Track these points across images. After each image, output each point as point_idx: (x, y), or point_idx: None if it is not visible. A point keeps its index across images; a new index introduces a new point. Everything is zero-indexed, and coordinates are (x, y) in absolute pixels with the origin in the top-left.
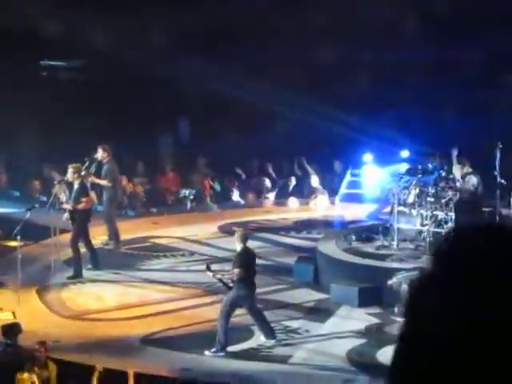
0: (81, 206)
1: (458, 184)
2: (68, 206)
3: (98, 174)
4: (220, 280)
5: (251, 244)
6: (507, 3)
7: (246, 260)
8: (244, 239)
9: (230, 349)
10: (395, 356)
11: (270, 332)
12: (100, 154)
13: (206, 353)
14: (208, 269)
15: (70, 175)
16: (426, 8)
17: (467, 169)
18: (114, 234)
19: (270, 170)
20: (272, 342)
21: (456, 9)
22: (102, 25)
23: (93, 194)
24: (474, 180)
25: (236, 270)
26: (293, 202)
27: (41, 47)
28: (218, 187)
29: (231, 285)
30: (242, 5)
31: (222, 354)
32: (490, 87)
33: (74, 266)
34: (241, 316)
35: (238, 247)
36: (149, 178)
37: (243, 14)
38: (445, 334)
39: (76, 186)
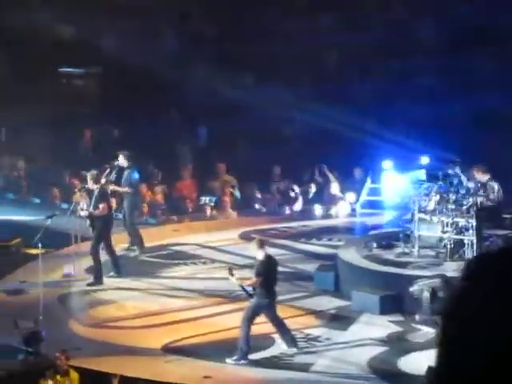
0: (97, 213)
1: (478, 191)
2: (84, 213)
3: (118, 181)
4: (241, 287)
5: (272, 251)
6: None
7: (267, 268)
8: (262, 246)
9: (252, 357)
10: (441, 364)
11: (291, 340)
12: (121, 160)
13: (228, 360)
14: (231, 274)
15: (88, 182)
16: (442, 13)
17: (487, 175)
18: (138, 241)
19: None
20: (294, 350)
21: (470, 16)
22: (118, 32)
23: (113, 201)
24: (494, 187)
25: (256, 278)
26: (317, 208)
27: (56, 54)
28: (238, 194)
29: (252, 292)
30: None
31: (243, 361)
32: (505, 94)
33: (94, 273)
34: (262, 324)
35: (259, 255)
36: (168, 185)
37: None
38: (499, 338)
39: (95, 192)
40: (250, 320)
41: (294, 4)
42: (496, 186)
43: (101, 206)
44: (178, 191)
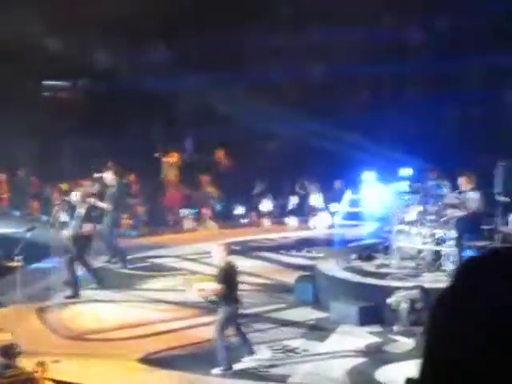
0: (86, 230)
1: (459, 201)
2: (72, 232)
3: (100, 195)
4: (205, 298)
5: (252, 263)
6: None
7: (230, 275)
8: (228, 252)
9: None
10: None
11: (250, 349)
12: (106, 175)
13: (214, 371)
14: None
15: (78, 198)
16: (424, 23)
17: (471, 185)
18: (121, 255)
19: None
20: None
21: (456, 24)
22: (102, 44)
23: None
24: (475, 196)
25: (220, 286)
26: (292, 220)
27: (42, 67)
28: (218, 206)
29: (217, 301)
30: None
31: (230, 371)
32: (489, 103)
33: (71, 286)
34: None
35: (222, 262)
36: (151, 197)
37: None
38: (476, 357)
39: (82, 209)
40: (222, 330)
41: (281, 18)
42: (477, 196)
43: (90, 225)
44: (163, 203)
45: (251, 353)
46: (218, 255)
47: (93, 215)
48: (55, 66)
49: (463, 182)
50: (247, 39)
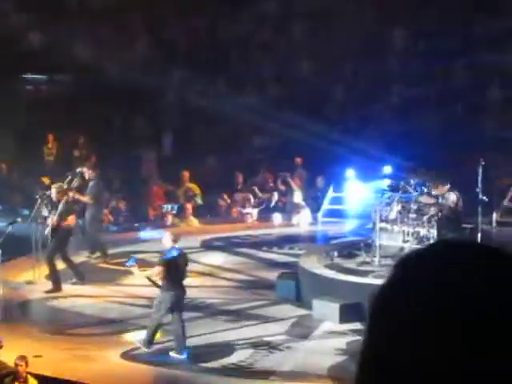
0: (65, 224)
1: (438, 200)
2: (51, 222)
3: (80, 189)
4: (148, 278)
5: (234, 259)
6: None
7: (174, 261)
8: (174, 240)
9: (211, 364)
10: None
11: (183, 342)
12: (85, 170)
13: (171, 354)
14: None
15: (53, 195)
16: (407, 22)
17: (446, 187)
18: (101, 248)
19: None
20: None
21: (442, 24)
22: (85, 38)
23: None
24: (453, 196)
25: (157, 268)
26: (276, 217)
27: (24, 60)
28: (200, 201)
29: (159, 284)
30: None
31: (148, 349)
32: (473, 101)
33: (52, 281)
34: (219, 332)
35: (167, 247)
36: (129, 193)
37: (228, 28)
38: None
39: (61, 203)
40: (160, 312)
41: (269, 13)
42: (455, 195)
43: (69, 218)
44: (145, 199)
45: (183, 347)
46: (165, 241)
47: (72, 208)
48: (37, 59)
49: (436, 188)
50: (234, 32)
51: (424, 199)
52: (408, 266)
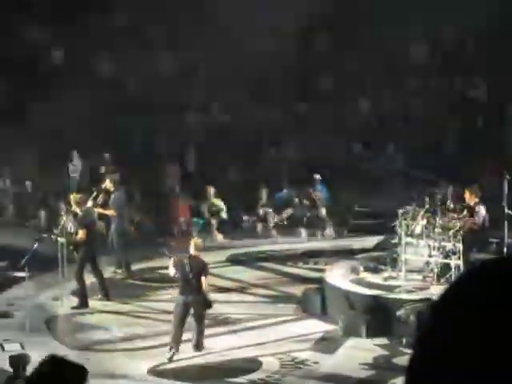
0: (77, 240)
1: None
2: (62, 240)
3: (105, 204)
4: None
5: (259, 274)
6: None
7: (185, 266)
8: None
9: (238, 380)
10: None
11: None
12: (108, 184)
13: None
14: None
15: (73, 206)
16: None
17: (476, 199)
18: (124, 264)
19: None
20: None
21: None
22: (108, 53)
23: (100, 224)
24: (483, 210)
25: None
26: (301, 232)
27: (40, 75)
28: (224, 216)
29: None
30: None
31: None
32: (494, 116)
33: (79, 297)
34: (247, 347)
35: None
36: (153, 208)
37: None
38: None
39: (78, 216)
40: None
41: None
42: (483, 209)
43: (80, 232)
44: (169, 214)
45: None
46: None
47: (82, 223)
48: (57, 74)
49: (468, 194)
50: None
51: (451, 215)
52: (460, 283)
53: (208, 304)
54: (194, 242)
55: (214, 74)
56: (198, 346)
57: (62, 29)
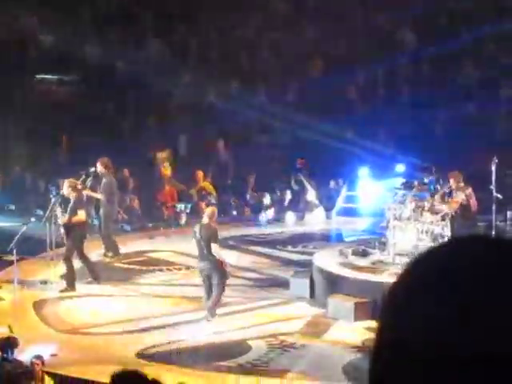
0: (74, 220)
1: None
2: (60, 221)
3: (94, 188)
4: None
5: (248, 258)
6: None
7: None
8: (72, 188)
9: (226, 363)
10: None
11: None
12: (99, 167)
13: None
14: None
15: (65, 190)
16: (418, 22)
17: (461, 183)
18: (113, 247)
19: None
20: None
21: (452, 23)
22: (97, 38)
23: (89, 208)
24: (464, 193)
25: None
26: (290, 216)
27: (36, 61)
28: (213, 200)
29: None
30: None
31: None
32: (485, 100)
33: (67, 280)
34: (235, 331)
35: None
36: (142, 192)
37: (238, 28)
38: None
39: (72, 200)
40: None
41: (279, 13)
42: (467, 191)
43: (79, 212)
44: (156, 198)
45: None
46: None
47: (82, 204)
48: (49, 60)
49: (454, 178)
50: (244, 32)
51: (437, 198)
52: (421, 260)
53: (221, 271)
54: (206, 210)
55: None
56: (208, 312)
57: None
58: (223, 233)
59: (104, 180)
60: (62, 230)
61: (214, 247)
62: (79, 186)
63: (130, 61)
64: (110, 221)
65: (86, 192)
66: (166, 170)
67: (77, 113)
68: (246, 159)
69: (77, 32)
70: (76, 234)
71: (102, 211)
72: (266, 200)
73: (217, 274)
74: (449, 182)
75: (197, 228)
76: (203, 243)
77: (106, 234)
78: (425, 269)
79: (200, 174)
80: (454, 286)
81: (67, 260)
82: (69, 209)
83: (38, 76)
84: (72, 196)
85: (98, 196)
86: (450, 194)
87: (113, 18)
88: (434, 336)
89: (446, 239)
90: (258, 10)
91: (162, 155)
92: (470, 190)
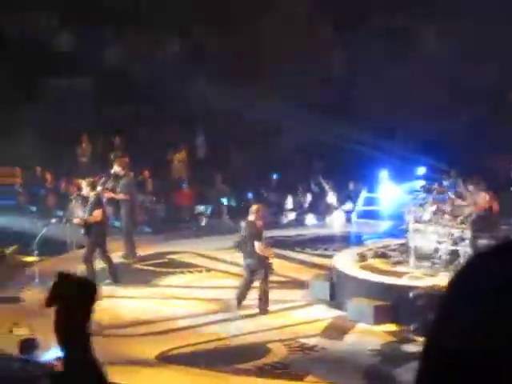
0: (91, 219)
1: (471, 201)
2: (77, 221)
3: (114, 190)
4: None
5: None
6: None
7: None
8: (92, 187)
9: (245, 366)
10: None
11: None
12: (117, 168)
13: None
14: None
15: (84, 189)
16: (439, 23)
17: (481, 186)
18: (131, 249)
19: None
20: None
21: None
22: (112, 40)
23: (109, 209)
24: (484, 195)
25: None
26: (310, 218)
27: (54, 62)
28: (234, 203)
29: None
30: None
31: None
32: (503, 103)
33: None
34: (253, 333)
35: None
36: (164, 194)
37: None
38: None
39: (90, 199)
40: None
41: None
42: (487, 196)
43: (95, 212)
44: (176, 200)
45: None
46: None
47: (99, 203)
48: (67, 62)
49: (473, 181)
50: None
51: (458, 201)
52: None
53: (266, 267)
54: (252, 207)
55: None
56: (260, 309)
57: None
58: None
59: (123, 181)
60: (83, 230)
61: (257, 245)
62: (99, 188)
63: (147, 63)
64: (130, 221)
65: (107, 194)
66: (184, 173)
67: (97, 114)
68: (267, 162)
69: (93, 34)
70: (95, 235)
71: (122, 212)
72: (288, 202)
73: (262, 270)
74: (469, 184)
75: (243, 225)
76: (248, 240)
77: (127, 234)
78: (476, 280)
79: (218, 176)
80: (504, 297)
81: (87, 261)
82: (87, 208)
83: (56, 77)
84: (91, 195)
85: (119, 196)
86: (470, 196)
87: (128, 20)
88: (480, 347)
89: (466, 242)
90: (273, 11)
91: (178, 156)
92: (491, 193)
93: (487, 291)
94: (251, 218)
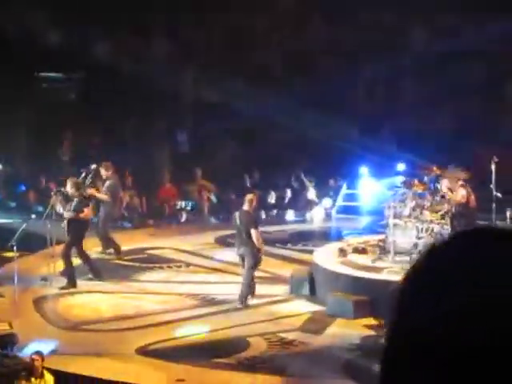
0: (82, 215)
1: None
2: (68, 215)
3: (93, 186)
4: None
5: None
6: None
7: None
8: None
9: (225, 360)
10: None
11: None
12: (102, 171)
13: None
14: None
15: (69, 189)
16: (422, 20)
17: (460, 181)
18: (114, 246)
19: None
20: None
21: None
22: (101, 37)
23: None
24: (462, 191)
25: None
26: (289, 214)
27: (39, 58)
28: (214, 199)
29: None
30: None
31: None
32: (487, 99)
33: (67, 277)
34: (235, 327)
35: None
36: (145, 190)
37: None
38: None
39: (76, 198)
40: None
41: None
42: (465, 191)
43: (86, 209)
44: (157, 196)
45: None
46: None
47: (87, 202)
48: (52, 58)
49: (452, 176)
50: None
51: (437, 197)
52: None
53: (256, 257)
54: (246, 197)
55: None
56: (240, 298)
57: None
58: (223, 231)
59: (108, 182)
60: (64, 224)
61: (254, 233)
62: (88, 189)
63: (135, 59)
64: (109, 221)
65: (90, 192)
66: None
67: (80, 110)
68: (247, 157)
69: (82, 30)
70: (77, 231)
71: (102, 211)
72: (271, 198)
73: (251, 258)
74: (448, 180)
75: (236, 215)
76: (242, 229)
77: (104, 233)
78: (436, 263)
79: (199, 172)
80: (465, 279)
81: (65, 256)
82: (74, 206)
83: (42, 74)
84: (76, 196)
85: (103, 197)
86: (449, 192)
87: (118, 16)
88: (443, 330)
89: (445, 237)
90: (266, 7)
91: (163, 153)
92: (469, 189)
93: (446, 280)
94: (245, 207)
